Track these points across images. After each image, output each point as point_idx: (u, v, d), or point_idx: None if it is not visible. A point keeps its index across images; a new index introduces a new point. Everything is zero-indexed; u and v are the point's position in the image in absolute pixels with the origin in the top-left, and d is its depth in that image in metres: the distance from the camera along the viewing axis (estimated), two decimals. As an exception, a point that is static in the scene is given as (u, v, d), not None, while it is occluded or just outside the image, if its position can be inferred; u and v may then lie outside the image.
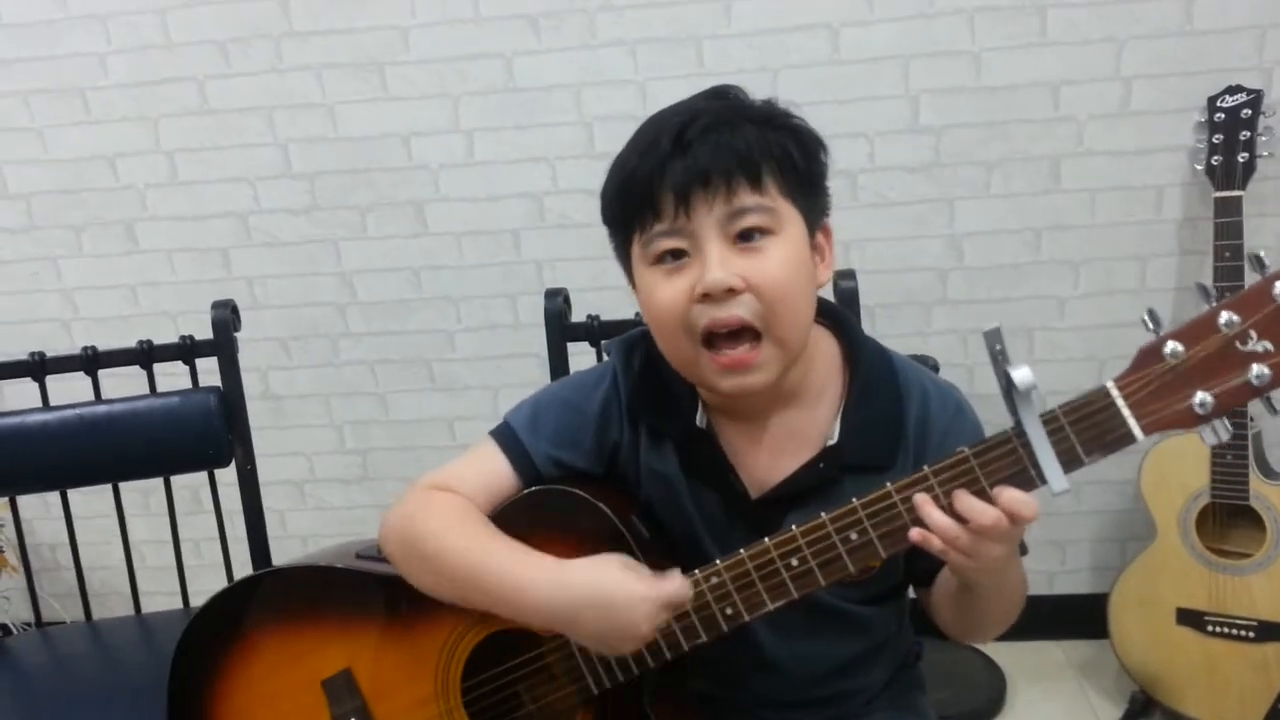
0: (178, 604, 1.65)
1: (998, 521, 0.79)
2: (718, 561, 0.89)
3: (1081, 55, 1.87)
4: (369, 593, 1.04)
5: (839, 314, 1.02)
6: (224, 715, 1.06)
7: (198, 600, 1.65)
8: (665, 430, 1.00)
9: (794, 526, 0.87)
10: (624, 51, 1.93)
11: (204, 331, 1.54)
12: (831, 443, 0.95)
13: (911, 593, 1.07)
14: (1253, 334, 0.75)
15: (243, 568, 1.50)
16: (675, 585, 0.87)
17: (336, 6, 1.97)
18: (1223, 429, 0.78)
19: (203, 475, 1.56)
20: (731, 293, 0.86)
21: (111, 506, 1.59)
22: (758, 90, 0.94)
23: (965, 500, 0.81)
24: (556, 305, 1.43)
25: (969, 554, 0.81)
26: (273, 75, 2.02)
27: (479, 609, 0.95)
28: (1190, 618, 1.82)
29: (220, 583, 1.84)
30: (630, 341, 1.03)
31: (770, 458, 0.97)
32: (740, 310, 0.87)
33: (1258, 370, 0.75)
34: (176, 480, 1.59)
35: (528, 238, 2.06)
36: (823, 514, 0.86)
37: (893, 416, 0.96)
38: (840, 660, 1.03)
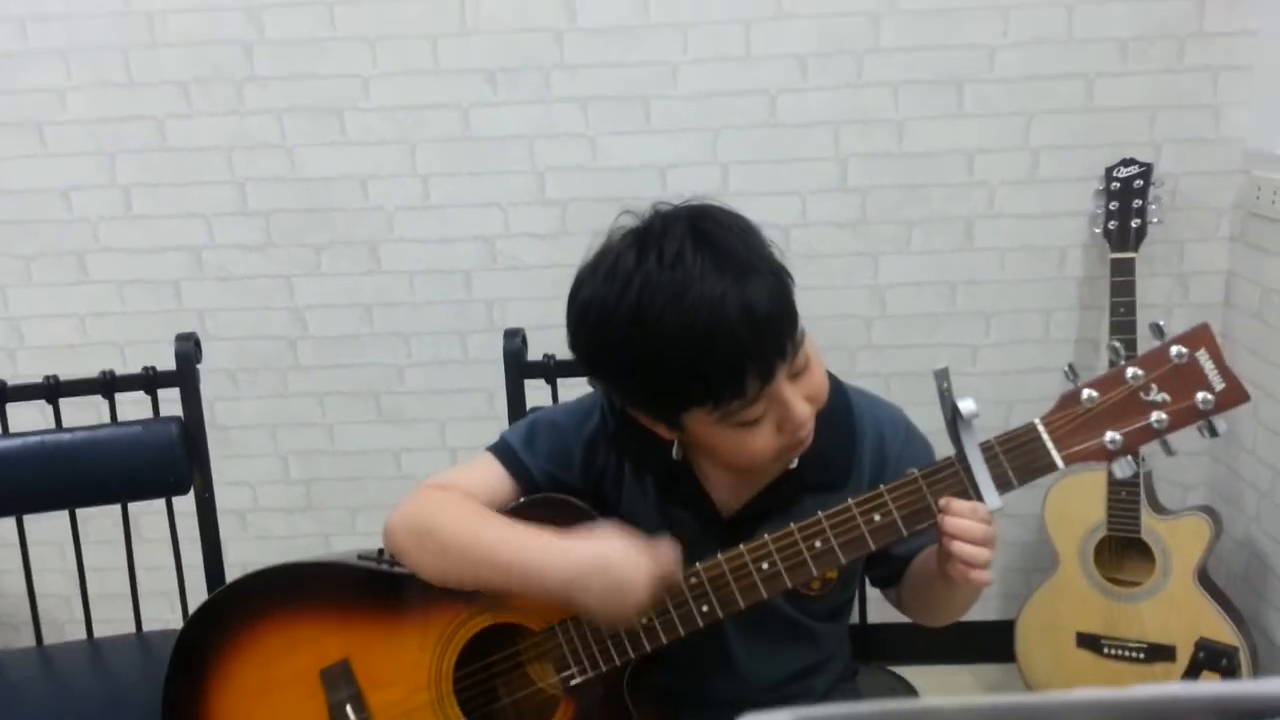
0: (122, 630, 1.68)
1: (974, 510, 0.93)
2: (697, 565, 1.01)
3: (994, 126, 2.05)
4: (369, 588, 1.12)
5: None
6: (221, 710, 1.12)
7: (150, 626, 1.69)
8: (645, 465, 1.11)
9: (766, 535, 0.99)
10: (576, 107, 2.04)
11: (152, 361, 1.61)
12: (792, 467, 1.08)
13: (855, 617, 1.19)
14: (1154, 386, 0.91)
15: (192, 594, 1.55)
16: (667, 547, 0.98)
17: (299, 54, 2.05)
18: (1128, 465, 0.93)
19: (143, 505, 1.61)
20: None
21: (49, 535, 1.61)
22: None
23: (954, 503, 0.94)
24: (515, 345, 1.52)
25: (982, 543, 0.93)
26: (233, 117, 2.08)
27: (491, 587, 1.03)
28: (1088, 641, 1.98)
29: (165, 610, 1.86)
30: None
31: (738, 482, 1.09)
32: (814, 422, 1.00)
33: (1157, 416, 0.91)
34: (113, 511, 1.63)
35: (479, 278, 2.14)
36: (792, 524, 0.98)
37: (846, 446, 1.09)
38: (793, 668, 1.15)
